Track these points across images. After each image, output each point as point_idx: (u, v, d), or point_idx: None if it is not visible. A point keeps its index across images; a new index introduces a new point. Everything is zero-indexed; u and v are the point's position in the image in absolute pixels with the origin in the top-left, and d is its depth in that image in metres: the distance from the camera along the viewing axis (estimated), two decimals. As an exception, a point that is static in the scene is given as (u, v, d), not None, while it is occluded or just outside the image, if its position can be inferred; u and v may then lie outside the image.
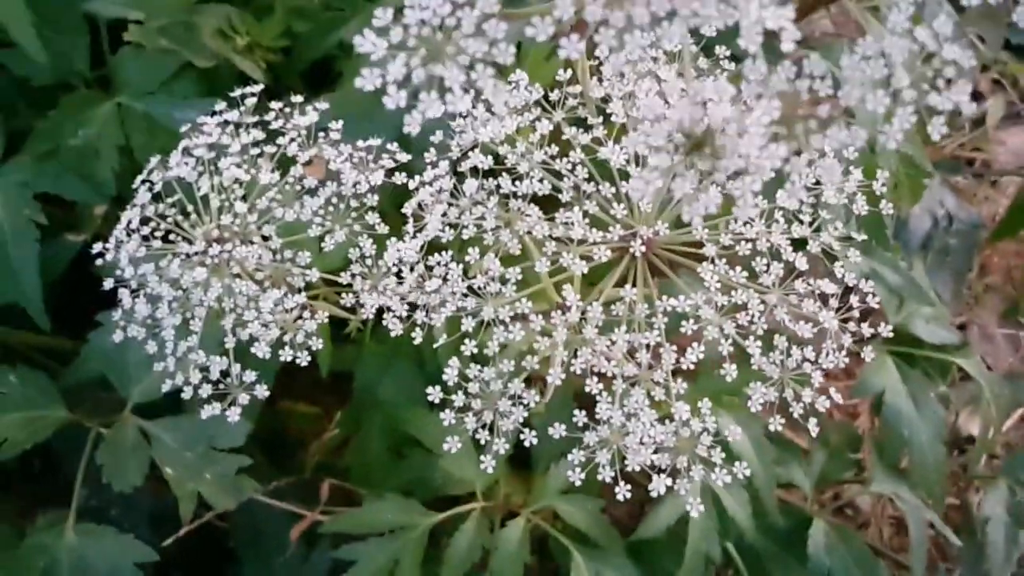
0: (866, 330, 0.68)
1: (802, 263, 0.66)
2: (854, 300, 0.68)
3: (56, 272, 1.09)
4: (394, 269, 0.72)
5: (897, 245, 1.29)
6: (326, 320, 0.75)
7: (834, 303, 0.67)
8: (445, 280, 0.66)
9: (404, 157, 0.77)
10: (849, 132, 0.47)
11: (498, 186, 0.67)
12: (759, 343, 0.64)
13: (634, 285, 0.64)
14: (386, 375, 1.09)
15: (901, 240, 1.34)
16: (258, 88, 0.81)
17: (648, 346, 0.63)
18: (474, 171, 0.68)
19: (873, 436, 1.27)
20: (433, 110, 0.45)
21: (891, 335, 1.22)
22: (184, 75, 1.07)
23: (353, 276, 0.76)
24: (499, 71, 0.46)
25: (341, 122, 0.79)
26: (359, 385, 1.12)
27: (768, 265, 0.65)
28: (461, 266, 0.66)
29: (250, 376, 0.74)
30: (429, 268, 0.67)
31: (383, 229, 0.76)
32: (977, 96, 2.13)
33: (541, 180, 0.66)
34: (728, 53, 0.60)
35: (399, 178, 0.75)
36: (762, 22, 0.43)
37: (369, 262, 0.75)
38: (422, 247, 0.69)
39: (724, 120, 0.46)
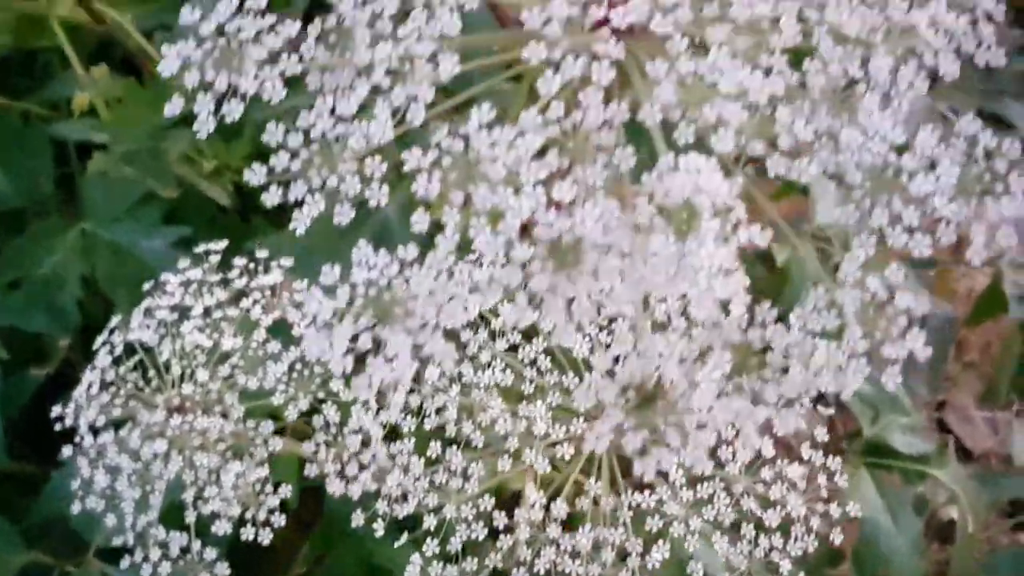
0: (835, 510, 0.67)
1: (768, 448, 0.65)
2: (822, 479, 0.68)
3: (18, 405, 1.08)
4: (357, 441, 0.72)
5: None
6: (290, 495, 0.74)
7: (802, 485, 0.66)
8: (406, 471, 0.65)
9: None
10: (804, 379, 0.47)
11: (460, 374, 0.66)
12: (726, 537, 0.63)
13: (599, 479, 0.63)
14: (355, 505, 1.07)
15: (876, 344, 1.33)
16: (222, 245, 0.80)
17: (613, 544, 0.62)
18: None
19: (851, 545, 1.26)
20: (380, 376, 0.44)
21: (867, 447, 1.22)
22: (151, 201, 1.06)
23: (318, 445, 0.75)
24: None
25: (305, 282, 0.79)
26: (328, 514, 1.10)
27: (734, 453, 0.65)
28: (422, 459, 0.65)
29: (211, 554, 0.73)
30: (392, 456, 0.67)
31: (348, 396, 0.75)
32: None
33: (504, 369, 0.65)
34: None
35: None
36: (713, 291, 0.42)
37: (334, 430, 0.74)
38: (385, 425, 0.69)
39: (675, 375, 0.45)
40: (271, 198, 0.47)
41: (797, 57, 0.46)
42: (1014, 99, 1.57)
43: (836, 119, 0.45)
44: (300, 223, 0.46)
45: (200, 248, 0.81)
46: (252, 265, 0.79)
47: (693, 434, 0.45)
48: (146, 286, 0.79)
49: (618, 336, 0.45)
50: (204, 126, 0.48)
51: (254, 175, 0.47)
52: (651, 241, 0.42)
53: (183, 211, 1.11)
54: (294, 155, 0.47)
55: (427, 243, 0.46)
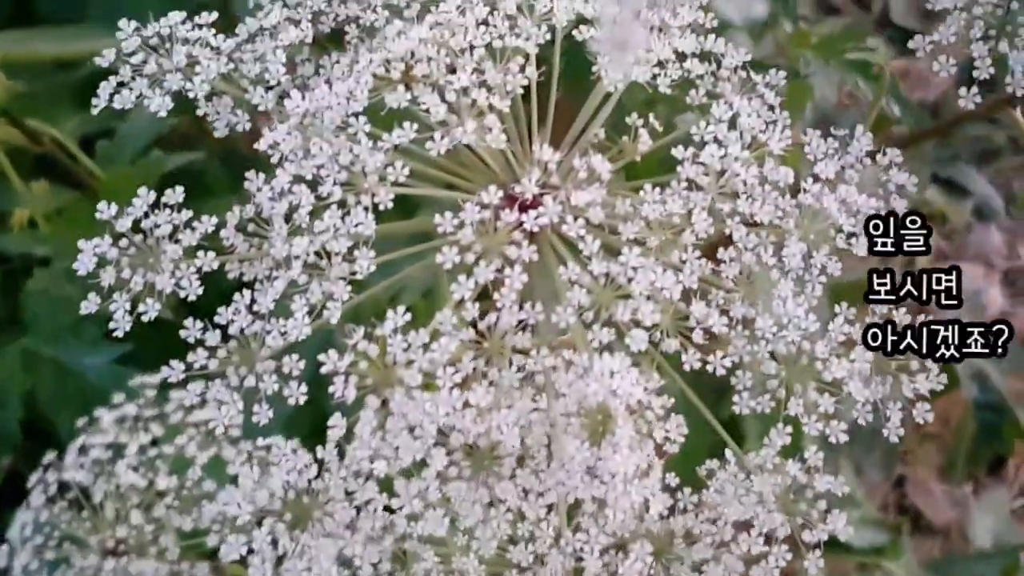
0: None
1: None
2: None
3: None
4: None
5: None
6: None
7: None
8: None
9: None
10: (724, 567, 0.47)
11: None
12: None
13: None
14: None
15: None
16: (157, 378, 0.79)
17: None
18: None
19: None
20: (299, 582, 0.44)
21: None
22: (93, 317, 1.04)
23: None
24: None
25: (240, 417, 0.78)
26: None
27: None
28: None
29: None
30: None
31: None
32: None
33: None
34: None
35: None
36: (629, 495, 0.42)
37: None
38: None
39: (596, 569, 0.45)
40: (189, 398, 0.47)
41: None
42: (968, 164, 1.60)
43: (751, 307, 0.46)
44: (219, 424, 0.46)
45: (136, 381, 0.80)
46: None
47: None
48: (80, 421, 0.78)
49: (538, 533, 0.45)
50: (121, 325, 0.47)
51: (172, 372, 0.47)
52: (565, 446, 0.42)
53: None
54: (212, 352, 0.47)
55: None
